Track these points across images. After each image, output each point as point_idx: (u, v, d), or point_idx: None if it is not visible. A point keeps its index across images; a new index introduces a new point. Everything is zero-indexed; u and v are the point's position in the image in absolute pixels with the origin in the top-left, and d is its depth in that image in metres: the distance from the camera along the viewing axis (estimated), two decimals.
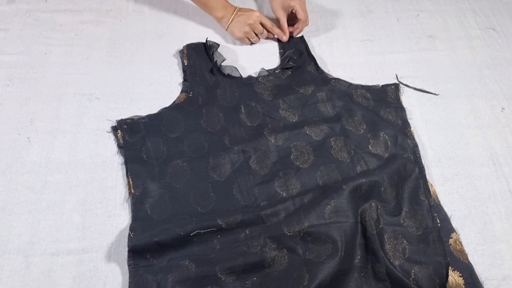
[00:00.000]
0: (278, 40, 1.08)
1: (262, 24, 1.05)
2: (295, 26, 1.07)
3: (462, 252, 0.78)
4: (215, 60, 1.00)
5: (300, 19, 1.05)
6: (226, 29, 1.07)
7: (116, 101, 0.95)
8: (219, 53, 1.02)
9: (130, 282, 0.72)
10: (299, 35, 1.08)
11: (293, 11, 1.05)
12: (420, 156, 0.88)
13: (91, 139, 0.89)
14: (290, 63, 1.01)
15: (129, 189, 0.82)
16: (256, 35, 1.06)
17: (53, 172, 0.84)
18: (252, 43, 1.08)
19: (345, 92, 0.96)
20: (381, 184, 0.80)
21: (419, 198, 0.82)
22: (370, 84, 1.00)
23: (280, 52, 1.06)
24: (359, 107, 0.94)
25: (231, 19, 1.04)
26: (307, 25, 1.09)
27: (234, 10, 1.05)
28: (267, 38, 1.08)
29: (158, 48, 1.05)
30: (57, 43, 1.04)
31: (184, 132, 0.89)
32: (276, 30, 1.06)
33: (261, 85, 0.97)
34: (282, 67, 1.00)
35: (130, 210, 0.80)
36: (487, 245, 0.80)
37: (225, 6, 1.05)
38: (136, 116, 0.91)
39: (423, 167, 0.87)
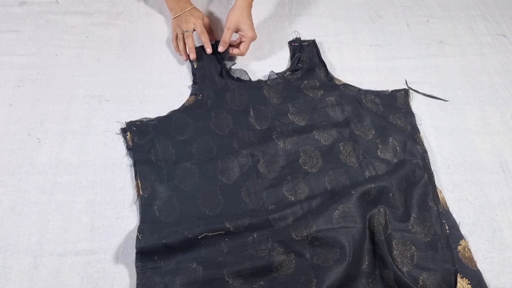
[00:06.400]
0: (289, 43, 1.08)
1: (195, 27, 1.00)
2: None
3: (471, 259, 0.77)
4: (224, 63, 1.00)
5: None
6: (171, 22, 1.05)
7: (125, 103, 0.95)
8: (229, 56, 1.02)
9: (137, 284, 0.72)
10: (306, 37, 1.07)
11: (239, 32, 1.00)
12: (429, 162, 0.88)
13: (101, 140, 0.89)
14: (299, 64, 1.01)
15: (138, 191, 0.82)
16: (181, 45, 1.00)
17: (62, 173, 0.84)
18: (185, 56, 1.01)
19: (354, 97, 0.96)
20: (389, 189, 0.80)
21: (428, 205, 0.82)
22: (379, 89, 1.00)
23: (290, 56, 1.06)
24: (368, 112, 0.93)
25: (177, 14, 1.02)
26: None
27: (186, 9, 1.01)
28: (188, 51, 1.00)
29: (168, 50, 1.05)
30: (68, 45, 1.04)
31: (193, 135, 0.89)
32: (203, 38, 0.99)
33: (270, 88, 0.97)
34: (292, 69, 1.01)
35: (138, 212, 0.80)
36: (496, 253, 0.79)
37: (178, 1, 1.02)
38: (145, 118, 0.91)
39: (432, 173, 0.86)
